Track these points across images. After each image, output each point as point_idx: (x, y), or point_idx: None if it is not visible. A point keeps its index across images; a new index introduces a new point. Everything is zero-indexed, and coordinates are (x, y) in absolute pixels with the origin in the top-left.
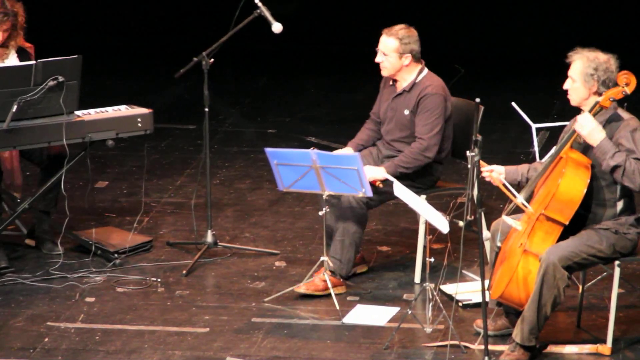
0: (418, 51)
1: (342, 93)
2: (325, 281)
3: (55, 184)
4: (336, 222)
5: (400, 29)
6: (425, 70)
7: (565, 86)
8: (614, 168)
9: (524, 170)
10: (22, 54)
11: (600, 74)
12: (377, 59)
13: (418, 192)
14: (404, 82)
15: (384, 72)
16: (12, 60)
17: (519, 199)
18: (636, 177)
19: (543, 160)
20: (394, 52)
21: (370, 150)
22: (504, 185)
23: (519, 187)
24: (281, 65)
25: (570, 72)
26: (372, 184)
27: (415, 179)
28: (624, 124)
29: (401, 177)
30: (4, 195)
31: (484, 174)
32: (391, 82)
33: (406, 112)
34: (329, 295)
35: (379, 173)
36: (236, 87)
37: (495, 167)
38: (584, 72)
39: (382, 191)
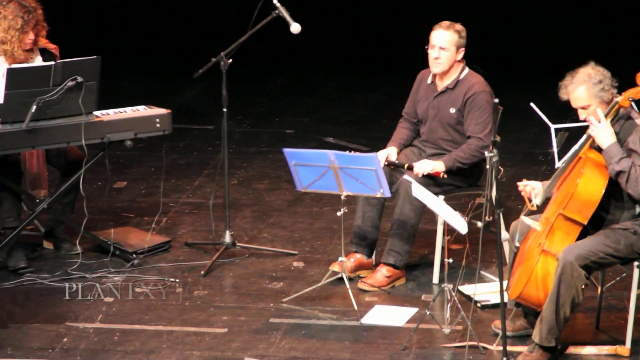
0: None
1: (359, 93)
2: (388, 277)
3: (73, 188)
4: (394, 215)
5: (453, 23)
6: (467, 68)
7: (582, 117)
8: (619, 173)
9: None
10: (46, 55)
11: (606, 81)
12: (434, 54)
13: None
14: (446, 80)
15: (439, 68)
16: (38, 61)
17: (534, 201)
18: (639, 185)
19: (561, 161)
20: (454, 45)
21: (412, 149)
22: (529, 199)
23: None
24: (299, 65)
25: (579, 103)
26: (436, 175)
27: (465, 173)
28: (637, 128)
29: (454, 174)
30: (23, 196)
31: (519, 188)
32: (429, 81)
33: (452, 110)
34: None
35: (438, 166)
36: (254, 88)
37: (532, 182)
38: (593, 92)
39: (443, 182)
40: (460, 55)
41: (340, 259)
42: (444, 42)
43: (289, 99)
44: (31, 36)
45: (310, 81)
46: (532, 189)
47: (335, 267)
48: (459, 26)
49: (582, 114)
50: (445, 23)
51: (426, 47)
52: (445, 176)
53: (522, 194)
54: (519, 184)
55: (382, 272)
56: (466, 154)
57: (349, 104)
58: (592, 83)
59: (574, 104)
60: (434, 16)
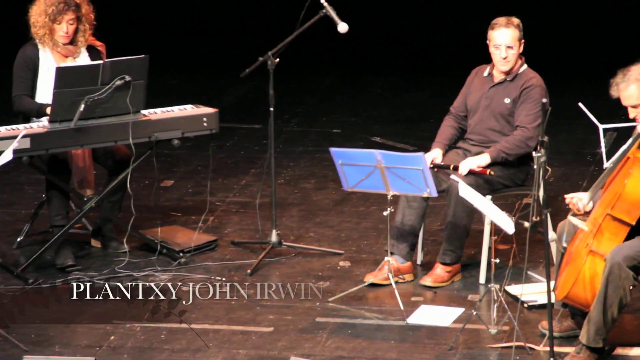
0: None
1: (406, 92)
2: (448, 272)
3: (120, 186)
4: (448, 215)
5: (510, 18)
6: (525, 63)
7: (632, 115)
8: None
9: None
10: (93, 53)
11: None
12: (502, 54)
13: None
14: (502, 73)
15: (506, 66)
16: (84, 58)
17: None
18: None
19: (610, 161)
20: (517, 41)
21: (457, 151)
22: (578, 210)
23: None
24: (346, 65)
25: (629, 101)
26: (483, 173)
27: (512, 170)
28: None
29: (499, 166)
30: (71, 194)
31: (566, 201)
32: (486, 74)
33: (507, 100)
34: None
35: (483, 160)
36: (301, 87)
37: (577, 194)
38: None
39: (494, 180)
40: (522, 48)
41: (386, 258)
42: (509, 41)
43: (336, 99)
44: (64, 29)
45: (357, 80)
46: (579, 200)
47: (369, 278)
48: (515, 20)
49: (632, 113)
50: (503, 20)
51: (487, 41)
52: (492, 173)
53: (570, 206)
54: (565, 196)
55: (442, 268)
56: (511, 144)
57: (396, 103)
58: None
59: (624, 102)
60: (482, 15)
